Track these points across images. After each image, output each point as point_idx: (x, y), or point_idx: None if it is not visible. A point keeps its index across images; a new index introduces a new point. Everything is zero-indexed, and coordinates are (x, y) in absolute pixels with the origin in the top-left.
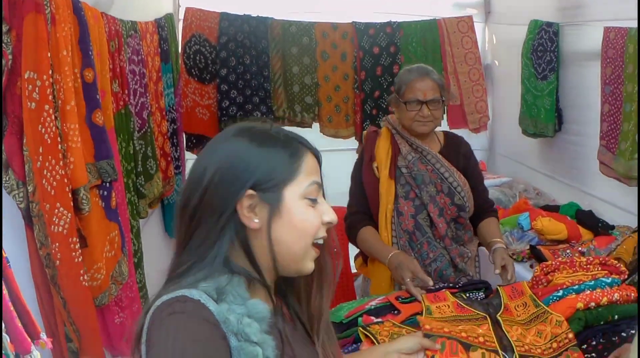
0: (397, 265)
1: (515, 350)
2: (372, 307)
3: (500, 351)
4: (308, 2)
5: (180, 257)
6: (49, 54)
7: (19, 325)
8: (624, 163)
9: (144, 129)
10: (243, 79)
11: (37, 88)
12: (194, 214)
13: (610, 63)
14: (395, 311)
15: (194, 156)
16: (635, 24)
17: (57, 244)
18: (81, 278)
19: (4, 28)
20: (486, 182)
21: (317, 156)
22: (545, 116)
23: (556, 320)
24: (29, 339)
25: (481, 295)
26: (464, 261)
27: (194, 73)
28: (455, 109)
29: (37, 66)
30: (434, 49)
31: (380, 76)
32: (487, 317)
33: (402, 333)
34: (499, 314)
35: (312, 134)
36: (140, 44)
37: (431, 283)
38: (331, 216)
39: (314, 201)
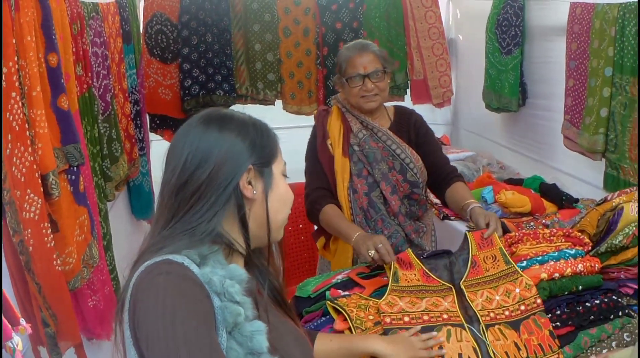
0: (365, 238)
1: (480, 320)
2: (339, 280)
3: (465, 325)
4: None
5: (165, 230)
6: (14, 41)
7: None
8: (588, 136)
9: (107, 112)
10: (205, 58)
11: (3, 75)
12: (197, 189)
13: (575, 38)
14: (361, 286)
15: (158, 137)
16: (600, 0)
17: (29, 230)
18: (54, 262)
19: None
20: (449, 156)
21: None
22: (509, 90)
23: (526, 283)
24: (10, 326)
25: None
26: (419, 237)
27: (156, 53)
28: (418, 83)
29: (3, 53)
30: (397, 24)
31: None
32: (452, 287)
33: (369, 304)
34: (463, 278)
35: (275, 111)
36: (102, 25)
37: (392, 262)
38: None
39: (286, 178)
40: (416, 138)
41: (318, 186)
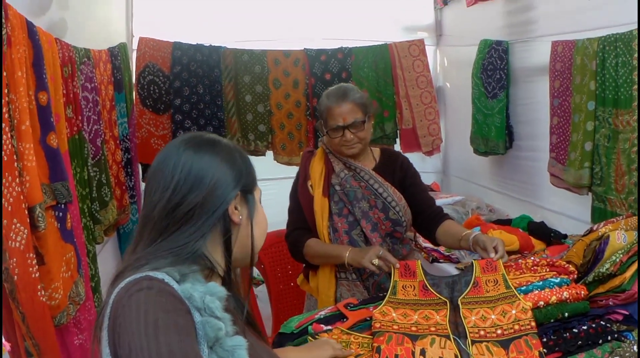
0: (359, 251)
1: (468, 336)
2: (322, 316)
3: (451, 335)
4: (260, 30)
5: (150, 247)
6: (4, 74)
7: None
8: (573, 172)
9: (98, 156)
10: (197, 109)
11: None
12: (189, 211)
13: (558, 76)
14: (344, 319)
15: None
16: (580, 36)
17: (14, 259)
18: (38, 293)
19: None
20: (439, 201)
21: None
22: (495, 133)
23: (522, 307)
24: None
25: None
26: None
27: (149, 103)
28: (407, 132)
29: None
30: (385, 74)
31: None
32: (448, 302)
33: (350, 340)
34: (463, 295)
35: (265, 161)
36: (93, 71)
37: (397, 264)
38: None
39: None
40: (402, 180)
41: (297, 226)
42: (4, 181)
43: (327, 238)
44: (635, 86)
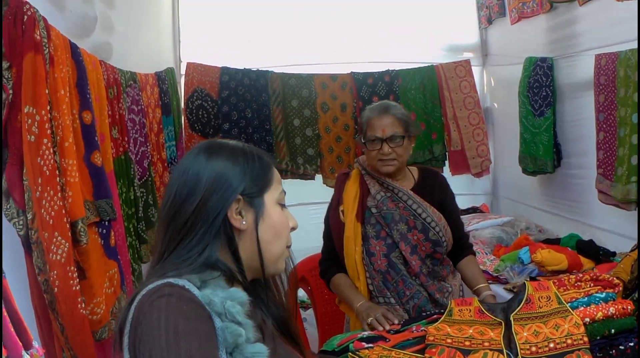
0: (365, 311)
1: (519, 353)
2: (364, 336)
3: (504, 350)
4: (306, 53)
5: (164, 261)
6: (47, 92)
7: (12, 331)
8: (621, 187)
9: (145, 178)
10: (245, 133)
11: (36, 122)
12: (187, 221)
13: (603, 90)
14: (387, 340)
15: None
16: (624, 47)
17: (55, 271)
18: (79, 305)
19: (5, 65)
20: (487, 223)
21: (278, 169)
22: (543, 152)
23: (575, 321)
24: (20, 344)
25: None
26: (444, 297)
27: (197, 128)
28: (456, 154)
29: (36, 101)
30: (432, 95)
31: None
32: (503, 323)
33: (391, 355)
34: (515, 312)
35: (315, 185)
36: (140, 94)
37: (396, 321)
38: (294, 222)
39: (283, 207)
40: (442, 200)
41: (327, 256)
42: (45, 194)
43: (361, 263)
44: None
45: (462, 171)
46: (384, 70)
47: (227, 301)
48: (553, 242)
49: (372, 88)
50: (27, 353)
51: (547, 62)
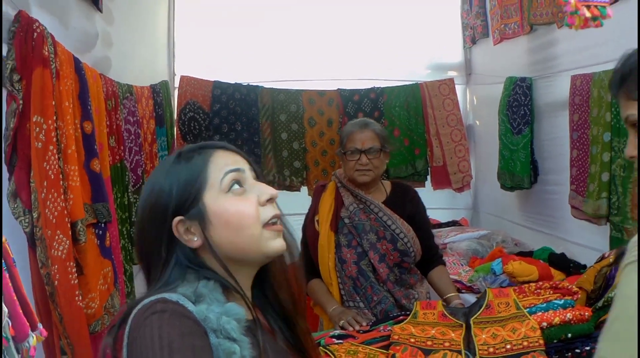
0: (337, 315)
1: (477, 353)
2: (336, 334)
3: (463, 350)
4: (295, 70)
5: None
6: (53, 103)
7: (21, 313)
8: (592, 203)
9: (138, 185)
10: (235, 145)
11: (43, 131)
12: (141, 251)
13: (577, 109)
14: (356, 337)
15: None
16: (599, 69)
17: (56, 266)
18: (76, 298)
19: (16, 77)
20: (465, 235)
21: (226, 148)
22: (520, 168)
23: (532, 325)
24: (28, 324)
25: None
26: (410, 303)
27: (189, 139)
28: (438, 170)
29: (44, 112)
30: (416, 113)
31: None
32: (464, 325)
33: (358, 350)
34: (475, 316)
35: (300, 196)
36: (135, 106)
37: (364, 323)
38: (269, 192)
39: (240, 189)
40: (412, 213)
41: (304, 262)
42: (49, 196)
43: (334, 270)
44: None
45: (443, 186)
46: (369, 87)
47: (223, 317)
48: (526, 255)
49: (357, 105)
50: (33, 334)
51: (527, 82)
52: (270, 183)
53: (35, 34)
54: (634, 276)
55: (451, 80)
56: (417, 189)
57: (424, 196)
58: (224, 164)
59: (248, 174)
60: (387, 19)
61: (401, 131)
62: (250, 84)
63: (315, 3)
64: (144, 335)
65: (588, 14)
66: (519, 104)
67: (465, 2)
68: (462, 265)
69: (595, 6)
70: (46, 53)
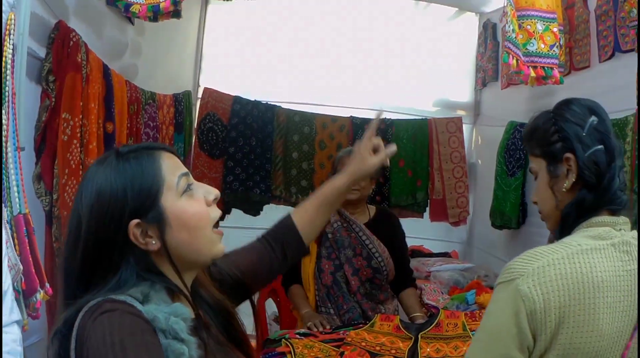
0: (307, 318)
1: None
2: (301, 332)
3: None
4: (313, 94)
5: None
6: (81, 103)
7: (33, 271)
8: None
9: None
10: (248, 159)
11: (70, 126)
12: (83, 261)
13: None
14: (317, 336)
15: None
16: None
17: None
18: None
19: (51, 78)
20: (450, 266)
21: (169, 150)
22: (510, 209)
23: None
24: (37, 281)
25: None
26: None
27: (205, 148)
28: (437, 203)
29: (72, 110)
30: (422, 146)
31: None
32: (413, 338)
33: (314, 345)
34: (425, 331)
35: None
36: (156, 112)
37: (328, 327)
38: (213, 193)
39: (190, 191)
40: (390, 237)
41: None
42: (69, 182)
43: (312, 277)
44: (625, 168)
45: (440, 218)
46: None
47: (171, 317)
48: None
49: None
50: (41, 290)
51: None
52: (277, 197)
53: (72, 42)
54: (497, 295)
55: (459, 119)
56: (415, 219)
57: (421, 227)
58: (174, 166)
59: (191, 176)
60: (405, 56)
61: (406, 162)
62: (269, 102)
63: (338, 34)
64: (95, 335)
65: (533, 74)
66: (515, 147)
67: (481, 45)
68: (442, 293)
69: (542, 67)
70: (79, 60)
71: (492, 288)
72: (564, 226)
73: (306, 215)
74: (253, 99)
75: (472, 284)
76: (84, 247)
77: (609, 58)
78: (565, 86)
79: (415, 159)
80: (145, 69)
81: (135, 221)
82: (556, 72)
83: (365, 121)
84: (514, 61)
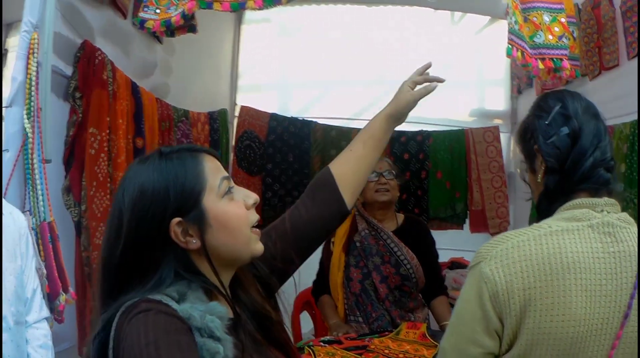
0: (334, 328)
1: None
2: (325, 339)
3: None
4: (348, 108)
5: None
6: (108, 119)
7: (56, 276)
8: None
9: None
10: (286, 175)
11: (97, 140)
12: (124, 258)
13: None
14: (341, 342)
15: None
16: (625, 120)
17: (96, 252)
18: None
19: (77, 95)
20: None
21: (211, 153)
22: None
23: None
24: (60, 284)
25: None
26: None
27: (244, 165)
28: (477, 213)
29: (99, 125)
30: (459, 157)
31: (408, 181)
32: (438, 346)
33: (336, 353)
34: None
35: None
36: (190, 129)
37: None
38: (253, 197)
39: (230, 194)
40: (419, 244)
41: (318, 279)
42: (97, 194)
43: (341, 286)
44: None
45: (480, 229)
46: (417, 130)
47: (207, 315)
48: None
49: (404, 146)
50: (63, 294)
51: None
52: None
53: (97, 60)
54: (466, 280)
55: (496, 128)
56: (455, 231)
57: (461, 238)
58: (216, 169)
59: (232, 180)
60: (439, 65)
61: (444, 173)
62: (305, 118)
63: (373, 47)
64: (130, 335)
65: (541, 66)
66: None
67: None
68: None
69: (551, 59)
70: (105, 77)
71: None
72: (538, 214)
73: (347, 166)
74: (290, 116)
75: None
76: (125, 244)
77: (637, 55)
78: (597, 86)
79: (452, 170)
80: (177, 88)
81: (177, 219)
82: (566, 63)
83: (402, 134)
84: (519, 54)
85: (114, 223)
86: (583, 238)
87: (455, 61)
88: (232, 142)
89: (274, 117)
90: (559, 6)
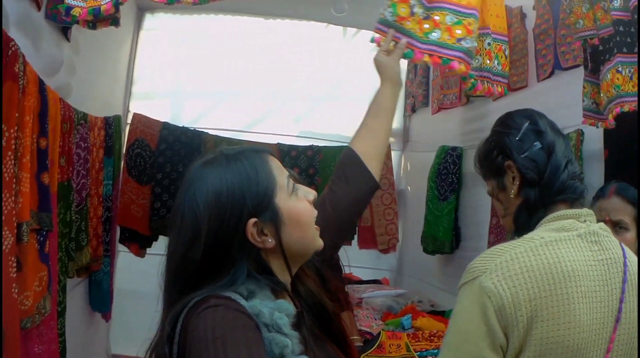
0: None
1: None
2: None
3: None
4: (240, 120)
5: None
6: (16, 115)
7: None
8: None
9: (81, 206)
10: (175, 185)
11: (5, 137)
12: (202, 260)
13: None
14: None
15: (126, 249)
16: None
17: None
18: (13, 290)
19: None
20: (382, 292)
21: (271, 153)
22: (443, 233)
23: None
24: None
25: None
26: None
27: (134, 173)
28: (365, 230)
29: (8, 121)
30: None
31: None
32: None
33: None
34: (367, 353)
35: None
36: (88, 133)
37: None
38: (313, 193)
39: (297, 191)
40: None
41: None
42: (2, 196)
43: None
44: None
45: (369, 246)
46: (307, 145)
47: (275, 312)
48: (438, 313)
49: (294, 160)
50: None
51: (457, 151)
52: None
53: (10, 51)
54: (461, 297)
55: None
56: (343, 246)
57: (349, 254)
58: (279, 168)
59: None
60: (330, 82)
61: None
62: (197, 129)
63: (264, 61)
64: (197, 329)
65: (427, 59)
66: (447, 171)
67: (410, 71)
68: (375, 319)
69: (440, 57)
70: (17, 70)
71: (428, 312)
72: (517, 227)
73: (366, 142)
74: (181, 126)
75: (407, 309)
76: (205, 246)
77: (549, 77)
78: (500, 106)
79: None
80: (79, 89)
81: (254, 220)
82: (455, 64)
83: (292, 148)
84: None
85: (189, 227)
86: (575, 247)
87: (348, 76)
88: (124, 149)
89: (166, 126)
90: (470, 12)
